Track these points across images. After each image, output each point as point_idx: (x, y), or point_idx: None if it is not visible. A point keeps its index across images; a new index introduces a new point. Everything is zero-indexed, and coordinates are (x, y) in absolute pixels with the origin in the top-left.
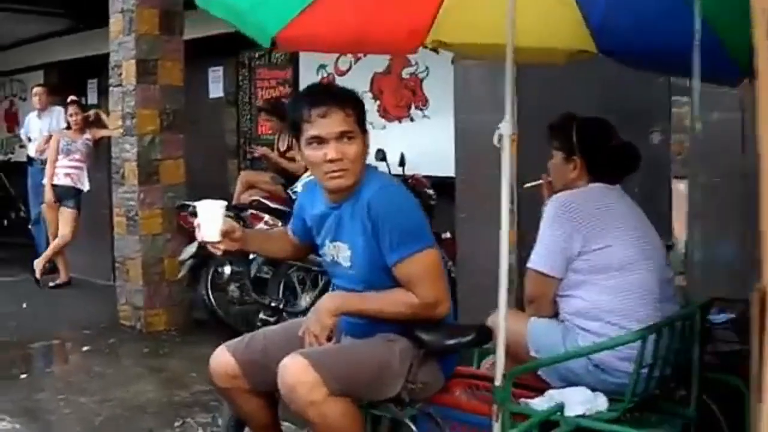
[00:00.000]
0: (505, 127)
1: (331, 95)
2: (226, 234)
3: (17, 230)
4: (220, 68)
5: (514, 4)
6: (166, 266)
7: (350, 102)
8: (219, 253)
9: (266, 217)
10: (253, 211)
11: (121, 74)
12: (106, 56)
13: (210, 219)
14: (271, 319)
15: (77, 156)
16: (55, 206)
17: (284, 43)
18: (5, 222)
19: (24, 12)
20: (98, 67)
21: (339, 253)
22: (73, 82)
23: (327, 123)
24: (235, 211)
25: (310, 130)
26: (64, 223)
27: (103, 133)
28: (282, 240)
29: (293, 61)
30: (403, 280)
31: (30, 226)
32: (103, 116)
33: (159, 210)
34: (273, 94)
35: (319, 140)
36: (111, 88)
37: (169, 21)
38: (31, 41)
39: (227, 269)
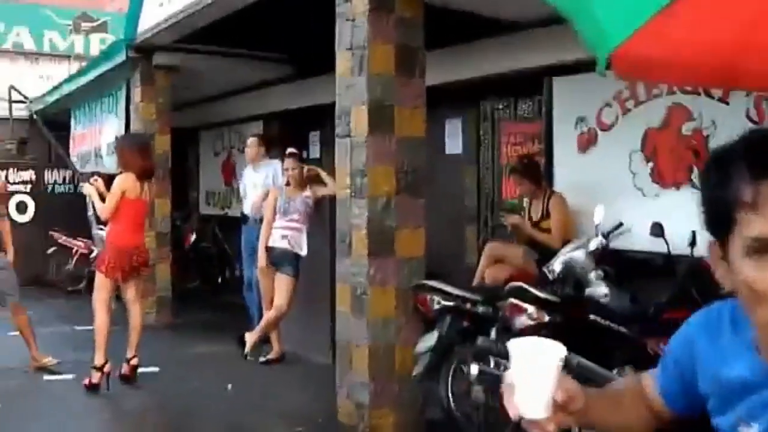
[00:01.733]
0: None
1: None
2: (561, 406)
3: (232, 290)
4: (459, 120)
5: None
6: (398, 358)
7: None
8: None
9: (529, 308)
10: (514, 301)
11: (349, 123)
12: (331, 106)
13: (534, 377)
14: None
15: (295, 216)
16: (270, 271)
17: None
18: (219, 280)
19: (245, 57)
20: (321, 118)
21: None
22: (294, 134)
23: None
24: (485, 295)
25: (754, 225)
26: (279, 291)
27: (323, 191)
28: (636, 405)
29: (546, 111)
30: None
31: (243, 292)
32: (323, 173)
33: (392, 289)
34: (518, 150)
35: None
36: (337, 140)
37: (408, 59)
38: (251, 89)
39: (474, 369)
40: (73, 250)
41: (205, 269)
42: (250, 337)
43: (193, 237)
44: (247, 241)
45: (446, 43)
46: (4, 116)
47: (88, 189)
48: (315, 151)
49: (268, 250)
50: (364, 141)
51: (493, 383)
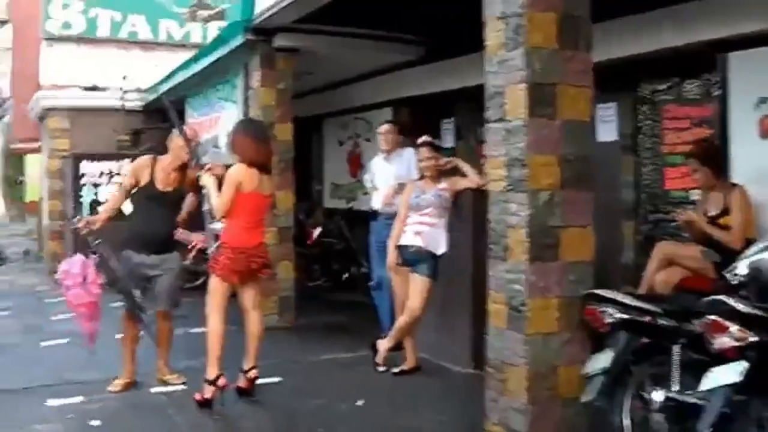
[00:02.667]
0: None
1: None
2: None
3: (357, 288)
4: (613, 105)
5: None
6: (561, 379)
7: None
8: None
9: (732, 327)
10: (715, 318)
11: (503, 105)
12: (464, 91)
13: None
14: None
15: (429, 211)
16: (403, 272)
17: None
18: (344, 276)
19: (372, 38)
20: (454, 104)
21: None
22: (425, 121)
23: None
24: (674, 308)
25: None
26: (414, 293)
27: (464, 184)
28: None
29: (719, 92)
30: None
31: (372, 291)
32: (462, 164)
33: (555, 299)
34: (684, 137)
35: None
36: (488, 125)
37: (571, 29)
38: (379, 74)
39: (658, 395)
40: (190, 245)
41: (329, 266)
42: (382, 345)
43: (317, 232)
44: (377, 239)
45: (597, 17)
46: (118, 107)
47: (205, 179)
48: (448, 140)
49: (401, 248)
50: (523, 125)
51: (678, 412)
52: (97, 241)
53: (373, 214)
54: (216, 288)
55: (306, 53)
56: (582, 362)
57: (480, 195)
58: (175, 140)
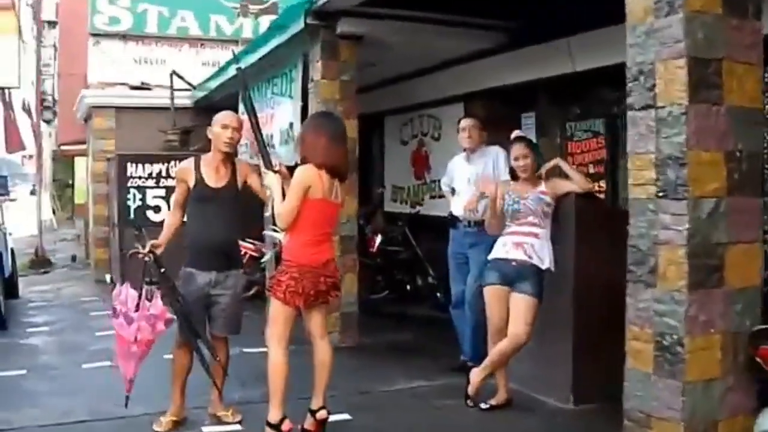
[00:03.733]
0: None
1: None
2: None
3: (425, 300)
4: None
5: None
6: None
7: None
8: None
9: None
10: None
11: (652, 86)
12: (548, 81)
13: None
14: None
15: (531, 219)
16: (498, 290)
17: None
18: (409, 287)
19: (445, 24)
20: (535, 96)
21: None
22: (503, 117)
23: None
24: None
25: None
26: (517, 316)
27: (568, 187)
28: None
29: None
30: None
31: (450, 309)
32: (565, 165)
33: (719, 336)
34: None
35: None
36: (630, 113)
37: None
38: (450, 65)
39: None
40: (242, 253)
41: (392, 277)
42: (475, 376)
43: (379, 240)
44: (456, 249)
45: None
46: (166, 105)
47: (270, 179)
48: (530, 137)
49: (498, 263)
50: (682, 113)
51: None
52: (162, 270)
53: (452, 221)
54: (278, 313)
55: (371, 41)
56: (746, 413)
57: (584, 200)
58: (213, 129)
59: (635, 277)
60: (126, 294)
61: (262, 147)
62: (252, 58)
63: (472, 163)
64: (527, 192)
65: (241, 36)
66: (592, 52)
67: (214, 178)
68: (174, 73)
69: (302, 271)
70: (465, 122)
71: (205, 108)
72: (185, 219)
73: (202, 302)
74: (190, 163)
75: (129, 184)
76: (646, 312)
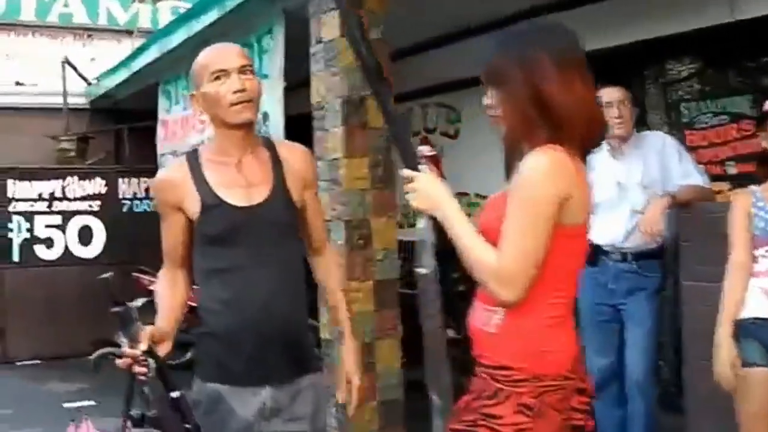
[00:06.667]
0: None
1: None
2: None
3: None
4: None
5: None
6: None
7: None
8: None
9: None
10: None
11: None
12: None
13: None
14: None
15: None
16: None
17: None
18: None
19: None
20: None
21: None
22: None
23: None
24: None
25: None
26: None
27: None
28: None
29: None
30: None
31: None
32: None
33: None
34: None
35: None
36: None
37: None
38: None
39: None
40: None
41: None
42: None
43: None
44: (600, 299)
45: None
46: (55, 105)
47: (426, 188)
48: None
49: (752, 326)
50: None
51: None
52: (172, 392)
53: (593, 257)
54: None
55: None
56: None
57: None
58: (203, 87)
59: None
60: None
61: (394, 126)
62: (185, 33)
63: (623, 159)
64: None
65: (136, 26)
66: None
67: (240, 186)
68: (67, 62)
69: (570, 390)
70: (611, 93)
71: (107, 110)
72: (198, 279)
73: None
74: (179, 169)
75: (10, 209)
76: None
